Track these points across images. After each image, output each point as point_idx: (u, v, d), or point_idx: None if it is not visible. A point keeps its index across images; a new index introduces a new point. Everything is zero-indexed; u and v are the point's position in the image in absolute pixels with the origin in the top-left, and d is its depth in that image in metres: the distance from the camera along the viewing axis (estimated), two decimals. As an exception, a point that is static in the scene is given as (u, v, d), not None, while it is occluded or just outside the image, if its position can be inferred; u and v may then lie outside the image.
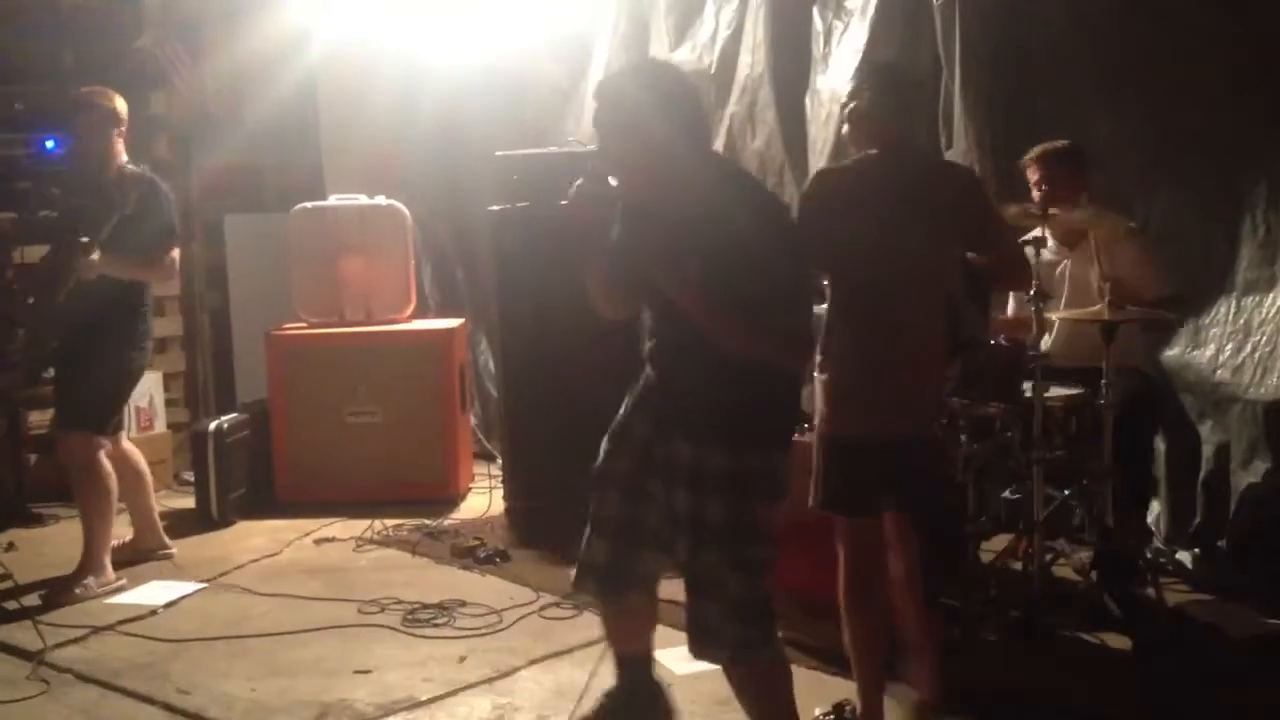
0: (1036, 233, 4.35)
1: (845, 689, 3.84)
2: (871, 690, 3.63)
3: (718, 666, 4.11)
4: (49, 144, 6.32)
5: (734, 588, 3.09)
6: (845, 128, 3.69)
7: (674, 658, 4.23)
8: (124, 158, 5.07)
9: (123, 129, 5.09)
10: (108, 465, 5.08)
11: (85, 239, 4.86)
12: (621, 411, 3.42)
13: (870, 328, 3.43)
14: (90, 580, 5.00)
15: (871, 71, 3.87)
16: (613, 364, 5.75)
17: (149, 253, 5.00)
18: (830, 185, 3.58)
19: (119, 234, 4.91)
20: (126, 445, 5.38)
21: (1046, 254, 4.55)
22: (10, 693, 4.06)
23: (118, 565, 5.19)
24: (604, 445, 3.44)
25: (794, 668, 4.06)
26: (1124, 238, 4.70)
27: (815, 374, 3.55)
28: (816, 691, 3.90)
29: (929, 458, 3.56)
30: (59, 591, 4.93)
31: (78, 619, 4.69)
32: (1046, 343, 4.51)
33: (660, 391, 3.28)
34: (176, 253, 5.13)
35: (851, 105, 3.58)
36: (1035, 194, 4.65)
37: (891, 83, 3.64)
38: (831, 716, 3.76)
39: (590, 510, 3.43)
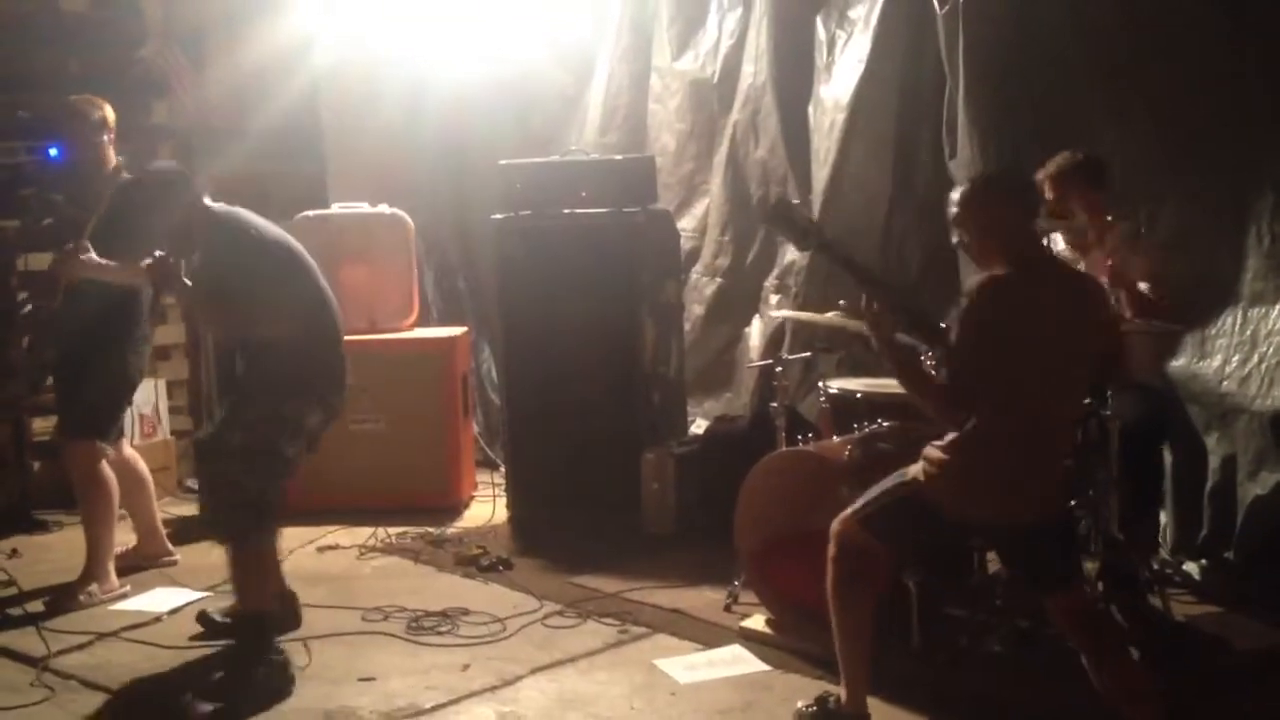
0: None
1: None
2: (856, 683, 3.66)
3: (720, 676, 4.15)
4: (52, 152, 6.31)
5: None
6: (960, 237, 3.62)
7: (676, 667, 4.24)
8: (113, 164, 5.07)
9: (111, 135, 5.10)
10: (110, 472, 5.07)
11: (70, 245, 4.88)
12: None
13: (1023, 432, 3.39)
14: (94, 587, 4.99)
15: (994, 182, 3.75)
16: (614, 372, 5.80)
17: (135, 260, 4.96)
18: (998, 301, 3.42)
19: (105, 240, 4.90)
20: (128, 452, 5.37)
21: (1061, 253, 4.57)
22: (14, 699, 4.04)
23: (121, 572, 5.18)
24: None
25: (798, 676, 4.11)
26: (1135, 245, 4.70)
27: (943, 446, 3.48)
28: (821, 700, 3.90)
29: (1050, 540, 3.51)
30: (63, 598, 4.92)
31: (82, 625, 4.68)
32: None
33: None
34: None
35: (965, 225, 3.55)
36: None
37: (1017, 189, 3.60)
38: (814, 708, 3.76)
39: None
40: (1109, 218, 4.58)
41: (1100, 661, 3.47)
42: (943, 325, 3.57)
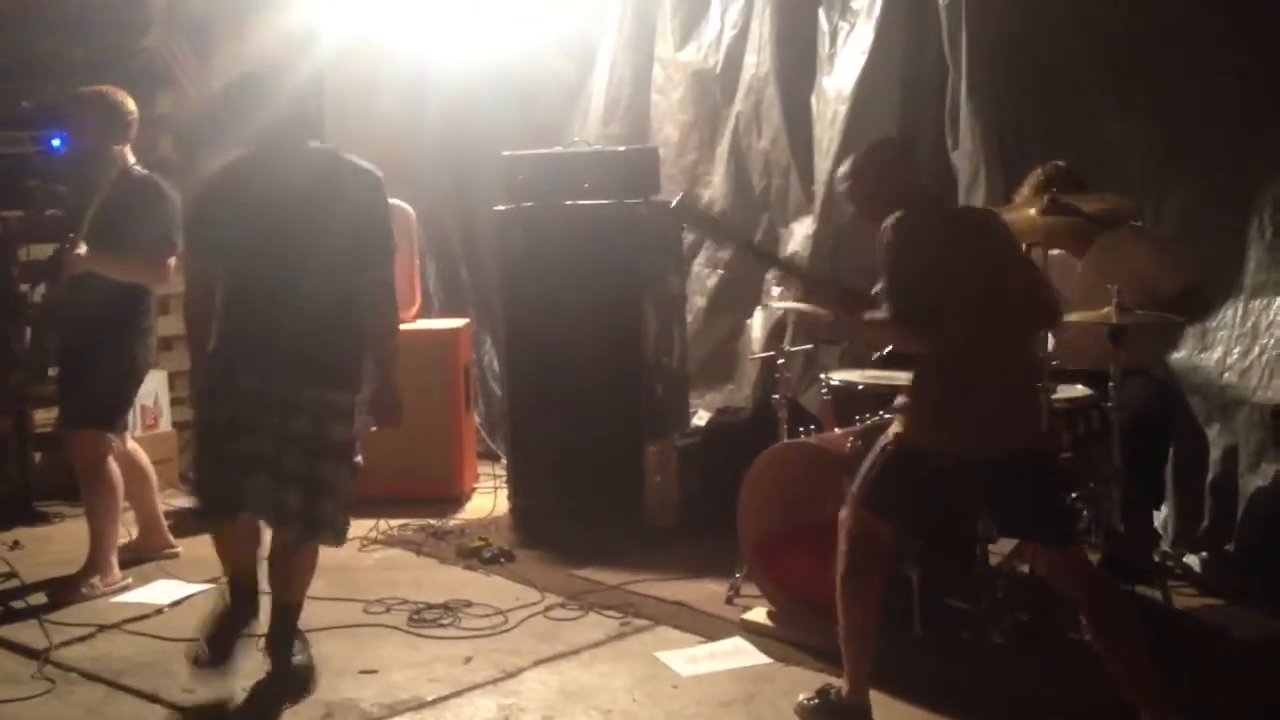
0: None
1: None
2: (859, 676, 3.68)
3: (722, 669, 4.15)
4: (55, 142, 6.32)
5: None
6: (852, 207, 3.96)
7: (678, 659, 4.25)
8: (131, 158, 5.06)
9: (129, 129, 5.07)
10: (115, 465, 5.08)
11: (71, 236, 4.88)
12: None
13: (968, 352, 3.53)
14: (96, 579, 4.99)
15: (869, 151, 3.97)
16: (616, 364, 5.79)
17: (143, 255, 4.95)
18: (911, 230, 3.60)
19: (110, 232, 4.90)
20: (131, 444, 5.37)
21: (1057, 257, 4.56)
22: (16, 691, 4.05)
23: (123, 564, 5.18)
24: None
25: (800, 669, 4.11)
26: (1130, 238, 4.70)
27: (904, 393, 3.68)
28: (823, 693, 3.90)
29: (1034, 479, 3.56)
30: (65, 590, 4.93)
31: (83, 618, 4.68)
32: (1052, 344, 4.51)
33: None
34: (173, 261, 5.03)
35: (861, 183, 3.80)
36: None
37: (890, 153, 3.89)
38: (816, 700, 3.77)
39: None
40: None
41: (1101, 630, 3.49)
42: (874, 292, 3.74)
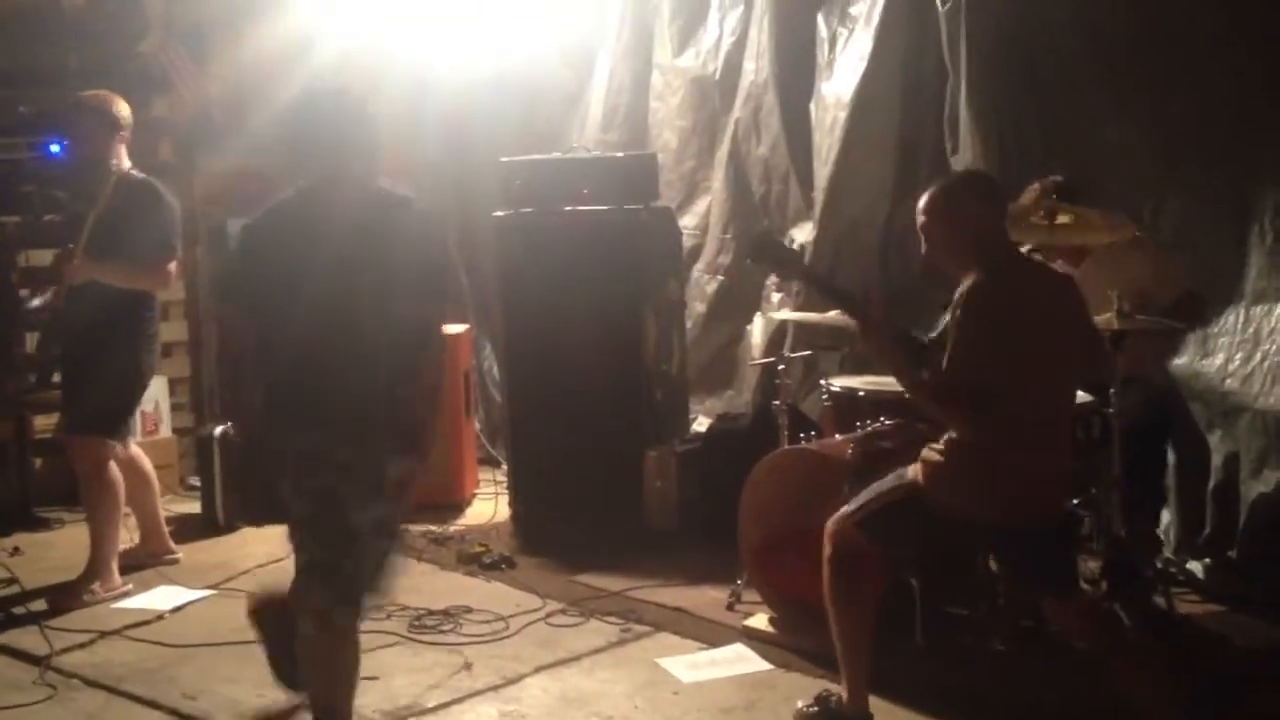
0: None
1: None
2: (857, 682, 3.67)
3: (723, 675, 4.15)
4: (53, 148, 6.31)
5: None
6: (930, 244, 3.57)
7: (679, 666, 4.25)
8: (126, 163, 5.06)
9: (124, 134, 5.07)
10: (117, 471, 5.07)
11: (70, 245, 4.87)
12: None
13: (1018, 427, 3.38)
14: (97, 586, 4.99)
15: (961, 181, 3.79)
16: (616, 370, 5.79)
17: (143, 260, 4.96)
18: (990, 301, 3.39)
19: (109, 239, 4.90)
20: (134, 450, 5.37)
21: (1057, 267, 4.56)
22: (17, 697, 4.05)
23: (123, 570, 5.18)
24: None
25: (801, 676, 4.11)
26: (1127, 245, 4.71)
27: (940, 449, 3.49)
28: (824, 699, 3.90)
29: (1052, 541, 3.51)
30: (66, 596, 4.92)
31: (84, 624, 4.68)
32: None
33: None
34: (173, 265, 5.07)
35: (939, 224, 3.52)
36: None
37: (985, 189, 3.59)
38: (815, 708, 3.76)
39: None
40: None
41: (1118, 662, 3.47)
42: (926, 340, 3.61)
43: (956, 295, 3.41)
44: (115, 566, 5.10)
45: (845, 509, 3.68)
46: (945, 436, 3.48)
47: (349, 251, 3.38)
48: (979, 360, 3.32)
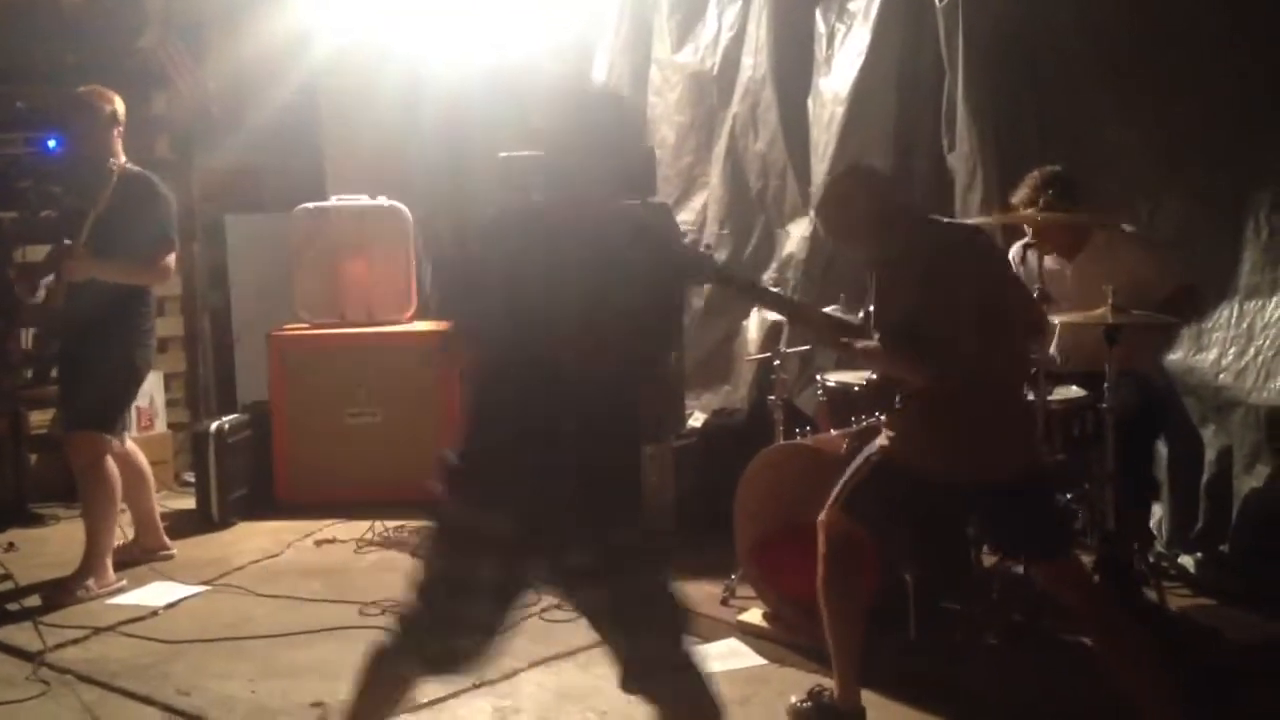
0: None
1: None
2: (848, 677, 3.67)
3: (717, 670, 4.14)
4: (50, 143, 6.32)
5: None
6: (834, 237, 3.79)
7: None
8: (122, 158, 5.05)
9: (120, 129, 5.07)
10: (114, 467, 5.07)
11: (68, 242, 4.87)
12: None
13: (965, 378, 3.43)
14: (91, 581, 4.99)
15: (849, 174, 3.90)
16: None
17: (141, 256, 4.96)
18: (900, 272, 3.51)
19: (108, 235, 4.90)
20: (129, 445, 5.36)
21: (1050, 261, 4.56)
22: (10, 693, 4.05)
23: (118, 566, 5.18)
24: None
25: (795, 670, 4.11)
26: (1123, 240, 4.71)
27: (898, 409, 3.56)
28: (818, 695, 3.90)
29: (1028, 498, 3.53)
30: (60, 592, 4.92)
31: (78, 620, 4.68)
32: (1052, 348, 4.53)
33: None
34: (172, 258, 5.07)
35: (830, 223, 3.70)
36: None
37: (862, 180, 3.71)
38: (808, 703, 3.76)
39: None
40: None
41: (1101, 642, 3.50)
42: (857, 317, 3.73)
43: (879, 268, 3.51)
44: (110, 563, 5.10)
45: (832, 496, 3.69)
46: (900, 397, 3.56)
47: (594, 274, 2.83)
48: (907, 325, 3.40)
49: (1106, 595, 3.71)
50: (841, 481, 3.67)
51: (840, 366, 4.84)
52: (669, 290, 3.04)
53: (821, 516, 3.70)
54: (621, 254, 2.88)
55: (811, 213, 5.99)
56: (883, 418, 3.66)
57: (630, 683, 3.00)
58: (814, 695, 3.76)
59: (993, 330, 3.49)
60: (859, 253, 3.70)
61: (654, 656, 2.99)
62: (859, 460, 3.66)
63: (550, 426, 2.83)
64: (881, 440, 3.61)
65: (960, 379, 3.42)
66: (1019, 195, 4.71)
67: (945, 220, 4.00)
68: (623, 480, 2.98)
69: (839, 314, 4.07)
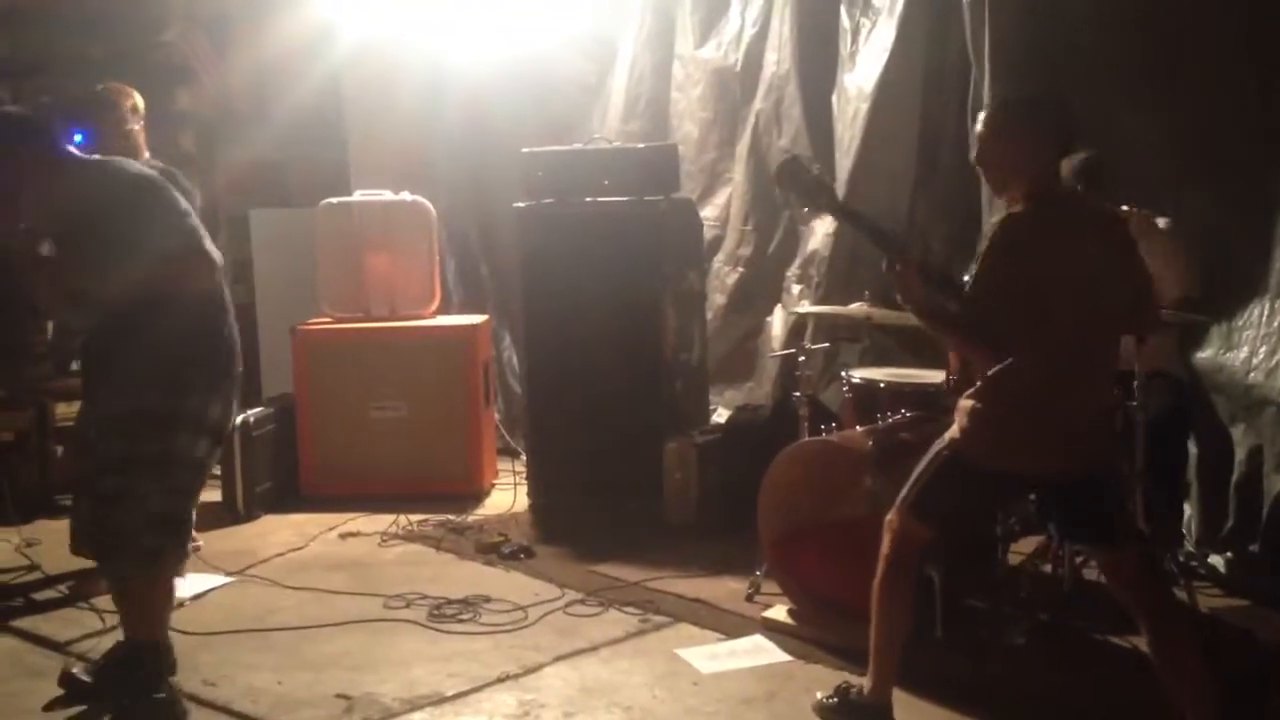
0: None
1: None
2: (886, 675, 3.62)
3: (742, 666, 4.15)
4: (76, 138, 6.33)
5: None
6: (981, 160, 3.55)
7: (698, 656, 4.24)
8: (145, 154, 5.07)
9: (142, 123, 5.10)
10: None
11: None
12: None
13: (1058, 365, 3.35)
14: None
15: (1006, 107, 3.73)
16: (636, 361, 5.79)
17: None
18: (1021, 234, 3.38)
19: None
20: None
21: None
22: (38, 684, 4.06)
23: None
24: None
25: (820, 667, 4.10)
26: (1155, 235, 4.68)
27: (974, 393, 3.44)
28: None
29: (1104, 491, 3.47)
30: (88, 583, 4.93)
31: (105, 610, 4.68)
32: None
33: None
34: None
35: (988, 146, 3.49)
36: None
37: (1040, 118, 3.49)
38: (834, 699, 3.74)
39: None
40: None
41: (1154, 630, 3.42)
42: (965, 279, 3.51)
43: (987, 228, 3.35)
44: None
45: (900, 496, 3.58)
46: (979, 383, 3.44)
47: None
48: (997, 289, 3.29)
49: (1165, 586, 3.65)
50: (912, 479, 3.56)
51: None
52: None
53: (889, 517, 3.61)
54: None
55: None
56: (959, 404, 3.50)
57: None
58: (840, 692, 3.74)
59: (1096, 321, 3.39)
60: (997, 187, 3.55)
61: None
62: (928, 456, 3.53)
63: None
64: (954, 433, 3.47)
65: (1051, 366, 3.31)
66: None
67: (1088, 198, 3.89)
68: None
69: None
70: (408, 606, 4.72)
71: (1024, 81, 5.35)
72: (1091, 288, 3.35)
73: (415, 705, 3.92)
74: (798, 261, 6.30)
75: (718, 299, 6.60)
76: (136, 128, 5.07)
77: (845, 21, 6.05)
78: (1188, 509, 4.95)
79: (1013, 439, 3.37)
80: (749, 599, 4.72)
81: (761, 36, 6.46)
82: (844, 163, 5.99)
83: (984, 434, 3.40)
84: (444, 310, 6.85)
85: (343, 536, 5.76)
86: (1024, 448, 3.37)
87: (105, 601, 4.76)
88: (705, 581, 4.96)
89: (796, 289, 6.25)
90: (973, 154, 3.58)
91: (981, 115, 3.56)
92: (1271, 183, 4.81)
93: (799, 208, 6.01)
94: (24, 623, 4.62)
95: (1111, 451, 3.55)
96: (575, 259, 5.82)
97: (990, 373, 3.39)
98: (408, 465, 6.30)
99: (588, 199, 5.85)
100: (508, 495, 6.29)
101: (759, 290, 6.51)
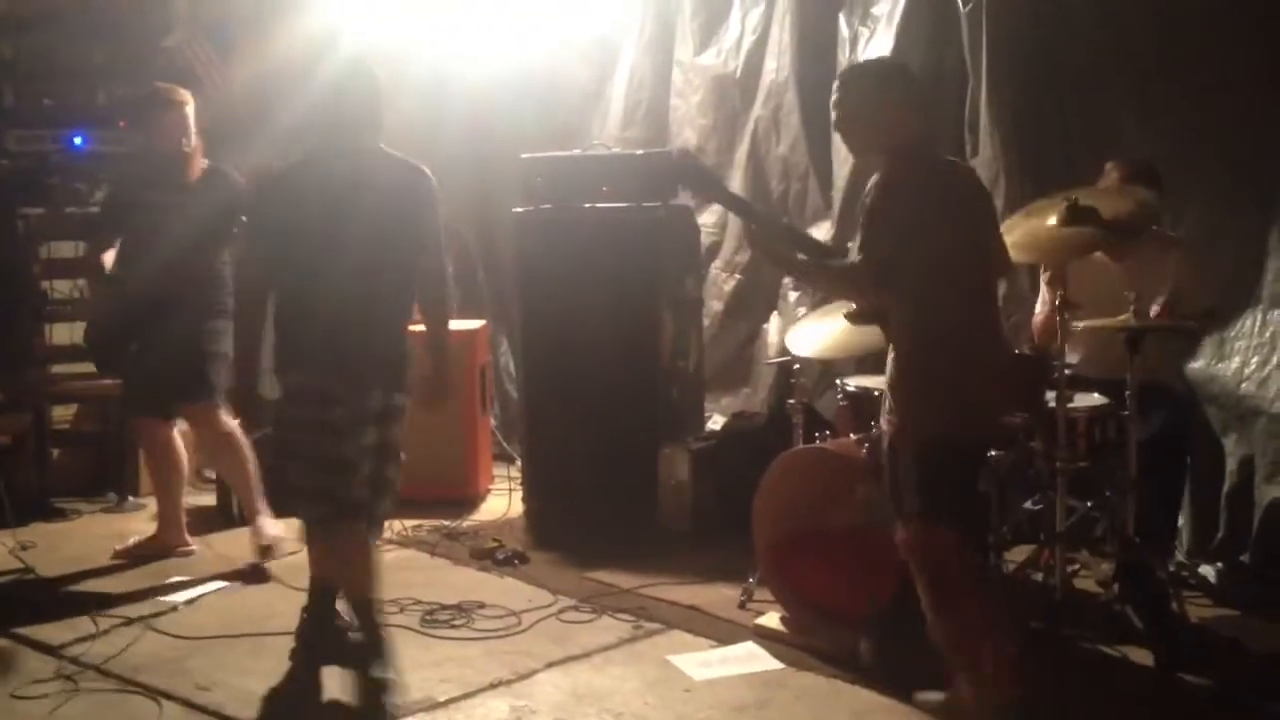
0: None
1: (863, 697, 3.86)
2: (1000, 664, 3.59)
3: (734, 673, 4.15)
4: (77, 140, 6.37)
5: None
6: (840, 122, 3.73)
7: (691, 663, 4.25)
8: (201, 153, 5.33)
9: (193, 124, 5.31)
10: (234, 425, 5.32)
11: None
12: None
13: (970, 326, 3.47)
14: (262, 521, 5.32)
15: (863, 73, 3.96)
16: (632, 367, 5.80)
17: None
18: (897, 196, 3.49)
19: (199, 227, 5.19)
20: (176, 435, 5.53)
21: (1098, 254, 4.53)
22: (33, 688, 4.06)
23: (137, 563, 5.26)
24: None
25: (812, 675, 4.11)
26: (1174, 247, 4.68)
27: (902, 373, 3.53)
28: (835, 700, 3.90)
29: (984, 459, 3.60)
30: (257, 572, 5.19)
31: (99, 614, 4.71)
32: (1073, 354, 4.51)
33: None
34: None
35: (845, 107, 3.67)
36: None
37: (908, 78, 3.73)
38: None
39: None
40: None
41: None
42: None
43: (868, 187, 3.49)
44: (264, 505, 5.38)
45: (902, 511, 3.58)
46: (888, 370, 3.56)
47: (376, 208, 3.90)
48: (890, 249, 3.39)
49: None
50: (902, 495, 3.54)
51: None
52: (438, 217, 4.08)
53: (899, 538, 3.60)
54: (396, 190, 3.98)
55: (835, 215, 5.97)
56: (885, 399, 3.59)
57: None
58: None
59: (978, 278, 3.53)
60: (866, 144, 3.69)
61: None
62: (896, 465, 3.54)
63: (338, 323, 3.89)
64: (903, 426, 3.52)
65: (956, 319, 3.42)
66: (1107, 181, 4.65)
67: (948, 158, 4.03)
68: (399, 359, 4.06)
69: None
70: (401, 612, 4.72)
71: (1021, 90, 5.37)
72: (970, 240, 3.52)
73: (408, 711, 3.92)
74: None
75: (715, 305, 6.61)
76: (193, 127, 5.30)
77: (844, 30, 6.06)
78: (1179, 519, 4.94)
79: (944, 405, 3.45)
80: (742, 606, 4.73)
81: (761, 44, 6.48)
82: (842, 170, 5.99)
83: (921, 412, 3.47)
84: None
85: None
86: (956, 407, 3.44)
87: (100, 605, 4.81)
88: (699, 588, 4.97)
89: (793, 296, 6.26)
90: (833, 118, 3.73)
91: (837, 83, 3.71)
92: (1267, 193, 4.82)
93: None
94: (19, 628, 4.59)
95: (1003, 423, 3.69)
96: (573, 265, 5.83)
97: (902, 352, 3.51)
98: (403, 470, 6.27)
99: (586, 205, 5.86)
100: (503, 501, 6.30)
101: (756, 297, 6.52)
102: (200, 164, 5.32)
